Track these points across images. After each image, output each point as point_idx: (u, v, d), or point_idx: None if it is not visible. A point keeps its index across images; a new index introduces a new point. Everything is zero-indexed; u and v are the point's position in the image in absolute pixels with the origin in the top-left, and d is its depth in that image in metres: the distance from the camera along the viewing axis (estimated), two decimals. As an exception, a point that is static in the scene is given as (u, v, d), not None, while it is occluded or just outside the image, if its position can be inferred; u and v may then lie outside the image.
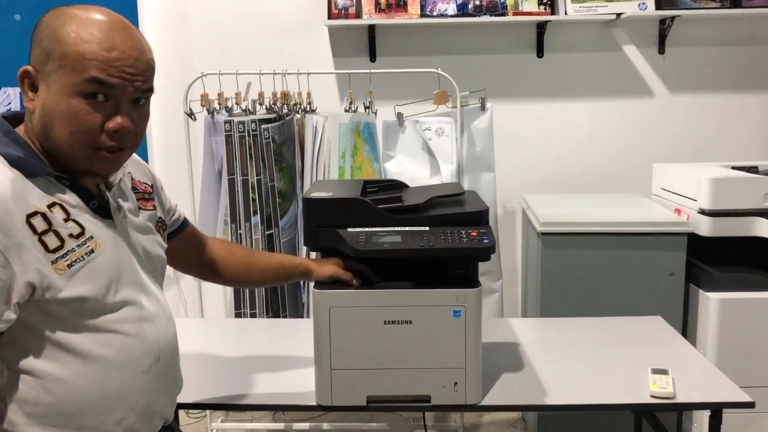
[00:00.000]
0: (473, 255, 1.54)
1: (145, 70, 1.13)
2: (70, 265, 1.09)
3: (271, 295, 2.59)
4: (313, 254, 1.79)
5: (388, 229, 1.56)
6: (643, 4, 3.05)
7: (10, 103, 3.06)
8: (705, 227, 2.50)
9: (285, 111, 2.67)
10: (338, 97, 3.14)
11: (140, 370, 1.20)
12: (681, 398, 1.59)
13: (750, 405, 1.58)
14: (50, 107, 1.08)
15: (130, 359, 1.18)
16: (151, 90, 1.16)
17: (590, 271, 2.53)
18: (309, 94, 2.72)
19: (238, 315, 2.57)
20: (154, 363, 1.22)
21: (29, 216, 1.06)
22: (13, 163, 1.08)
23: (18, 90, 2.96)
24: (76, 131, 1.08)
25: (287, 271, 1.66)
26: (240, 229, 2.52)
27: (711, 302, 2.47)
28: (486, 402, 1.60)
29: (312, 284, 1.63)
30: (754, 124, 3.28)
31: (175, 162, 2.92)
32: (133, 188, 1.29)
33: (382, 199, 1.64)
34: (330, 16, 3.02)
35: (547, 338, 2.00)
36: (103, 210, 1.17)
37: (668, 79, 3.24)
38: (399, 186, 1.82)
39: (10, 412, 1.11)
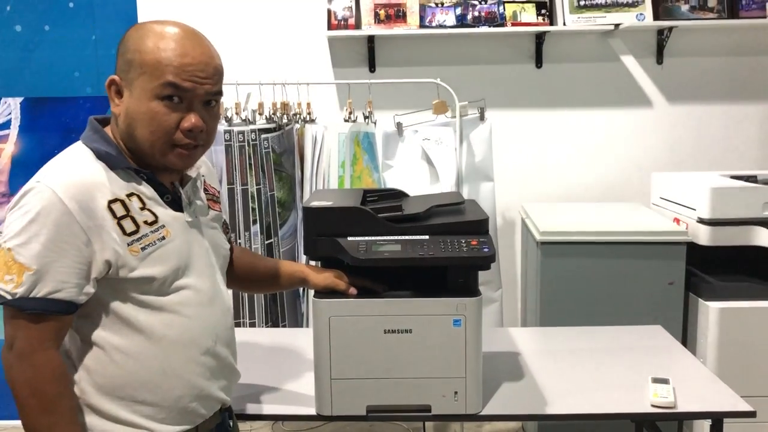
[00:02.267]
0: (473, 264, 1.54)
1: (214, 74, 1.25)
2: (143, 248, 1.22)
3: (271, 305, 2.59)
4: (313, 262, 1.78)
5: (388, 238, 1.56)
6: (641, 14, 3.06)
7: (9, 114, 3.06)
8: (704, 236, 2.50)
9: (285, 121, 2.68)
10: (338, 107, 3.15)
11: (199, 352, 1.30)
12: (682, 407, 1.58)
13: (751, 414, 1.58)
14: (133, 110, 1.21)
15: (190, 340, 1.28)
16: (220, 93, 1.29)
17: (590, 280, 2.53)
18: (309, 104, 2.73)
19: (237, 324, 2.54)
20: (212, 347, 1.32)
21: (110, 202, 1.20)
22: (99, 156, 1.23)
23: (18, 100, 2.97)
24: (155, 130, 1.21)
25: (286, 276, 1.67)
26: (240, 238, 2.52)
27: (711, 311, 2.47)
28: (486, 411, 1.60)
29: (312, 293, 1.63)
30: (753, 133, 3.29)
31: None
32: (205, 190, 1.43)
33: (382, 208, 1.64)
34: (330, 27, 3.04)
35: (547, 347, 2.00)
36: (175, 204, 1.30)
37: (666, 89, 3.25)
38: (399, 195, 1.83)
39: (81, 381, 1.23)
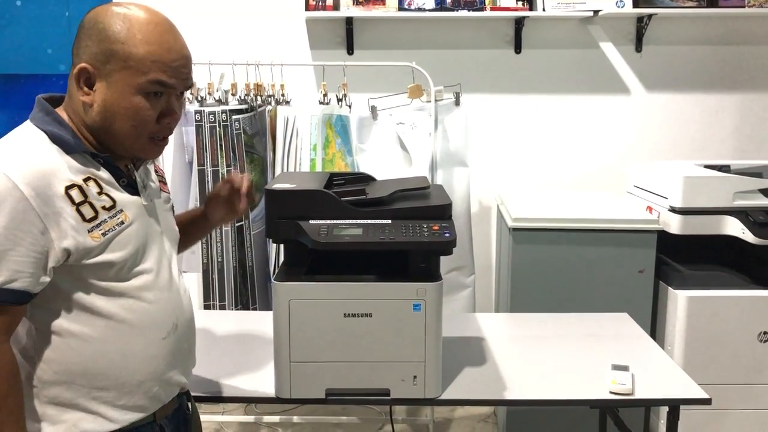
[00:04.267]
0: (434, 249, 1.54)
1: (190, 67, 1.26)
2: (104, 234, 1.20)
3: (241, 288, 2.58)
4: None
5: (350, 221, 1.56)
6: (621, 1, 3.05)
7: None
8: (675, 225, 2.51)
9: (258, 102, 2.65)
10: (315, 89, 3.11)
11: (159, 336, 1.29)
12: (639, 394, 1.59)
13: (706, 402, 1.59)
14: (112, 104, 1.19)
15: (150, 324, 1.27)
16: (192, 84, 1.30)
17: (560, 267, 2.54)
18: (282, 86, 2.70)
19: (207, 307, 2.55)
20: (172, 331, 1.31)
21: (68, 188, 1.17)
22: (54, 140, 1.19)
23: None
24: (137, 125, 1.21)
25: (190, 224, 1.62)
26: (210, 220, 2.50)
27: (679, 300, 2.48)
28: (446, 396, 1.60)
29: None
30: (729, 123, 3.30)
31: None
32: (155, 171, 1.43)
33: (346, 191, 1.63)
34: (307, 8, 3.01)
35: (513, 333, 2.00)
36: (131, 187, 1.28)
37: (645, 77, 3.25)
38: (366, 179, 1.82)
39: (39, 371, 1.20)
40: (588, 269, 2.54)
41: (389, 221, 1.56)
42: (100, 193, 1.21)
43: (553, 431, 2.59)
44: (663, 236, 2.54)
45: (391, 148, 2.71)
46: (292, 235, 1.57)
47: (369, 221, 1.56)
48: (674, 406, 1.60)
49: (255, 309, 2.60)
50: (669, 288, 2.54)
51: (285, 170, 2.58)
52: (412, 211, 1.58)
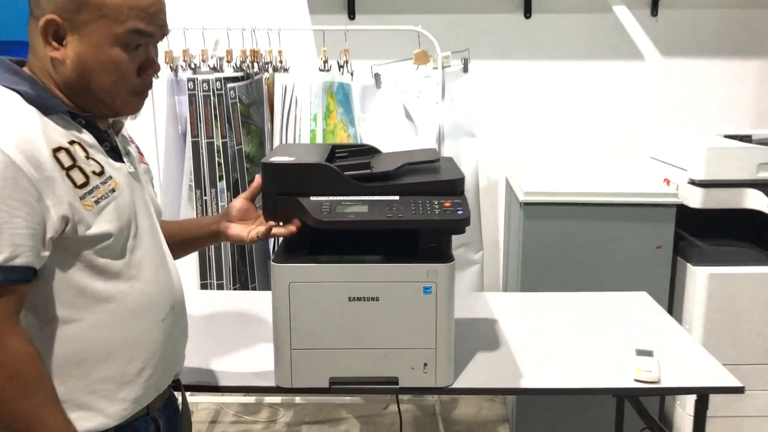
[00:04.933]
0: (446, 227, 1.41)
1: (166, 12, 1.16)
2: (97, 201, 1.09)
3: (239, 265, 2.46)
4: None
5: (354, 198, 1.43)
6: (637, -38, 2.88)
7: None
8: (695, 199, 2.39)
9: (254, 70, 2.51)
10: (314, 56, 2.97)
11: (158, 318, 1.20)
12: (666, 382, 1.48)
13: (739, 390, 1.48)
14: (88, 58, 1.09)
15: (150, 306, 1.19)
16: (168, 32, 1.20)
17: (573, 243, 2.42)
18: (280, 53, 2.55)
19: (204, 286, 2.44)
20: (170, 311, 1.23)
21: (55, 151, 1.06)
22: (30, 100, 1.07)
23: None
24: (119, 80, 1.11)
25: (200, 238, 1.52)
26: (205, 195, 2.38)
27: (699, 277, 2.37)
28: (458, 384, 1.49)
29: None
30: (748, 91, 3.15)
31: (136, 122, 2.75)
32: (130, 139, 1.31)
33: (349, 165, 1.50)
34: (306, -30, 2.84)
35: (527, 315, 1.89)
36: (114, 153, 1.18)
37: (660, 43, 3.09)
38: (370, 151, 1.69)
39: None
40: (602, 245, 2.42)
41: (396, 197, 1.43)
42: (87, 158, 1.10)
43: (564, 412, 2.49)
44: (681, 210, 2.42)
45: (395, 118, 2.57)
46: (292, 213, 1.44)
47: (375, 197, 1.43)
48: (703, 394, 1.49)
49: (254, 288, 2.49)
50: (688, 264, 2.42)
51: (284, 142, 2.45)
52: (422, 186, 1.45)
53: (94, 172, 1.10)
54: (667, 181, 2.57)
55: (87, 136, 1.12)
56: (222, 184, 2.39)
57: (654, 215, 2.40)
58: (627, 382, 1.48)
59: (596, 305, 1.95)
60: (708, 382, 1.49)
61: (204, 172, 2.38)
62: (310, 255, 1.47)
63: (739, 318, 2.36)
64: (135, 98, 1.17)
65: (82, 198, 1.07)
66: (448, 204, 1.41)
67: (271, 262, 1.44)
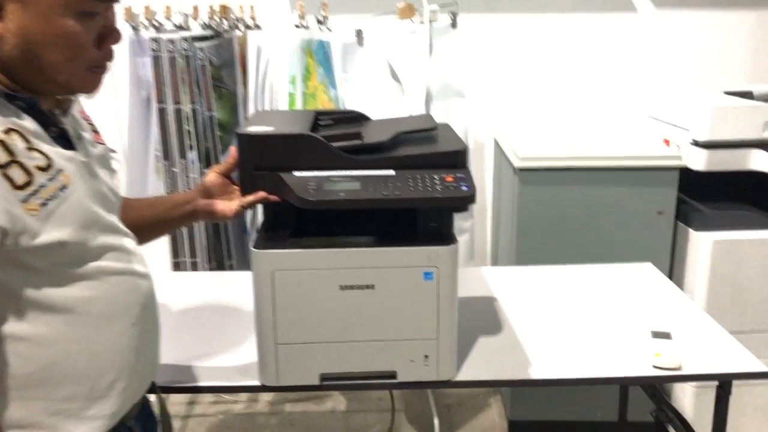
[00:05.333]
0: (449, 206, 1.26)
1: None
2: (44, 204, 0.91)
3: (214, 241, 2.29)
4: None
5: (345, 173, 1.26)
6: None
7: None
8: (699, 160, 2.25)
9: (224, 28, 2.29)
10: (291, 12, 2.75)
11: (129, 322, 1.05)
12: (687, 369, 1.36)
13: (764, 375, 1.36)
14: (35, 31, 0.91)
15: (119, 311, 1.03)
16: None
17: (571, 210, 2.28)
18: (252, 8, 2.34)
19: (176, 265, 2.26)
20: (141, 312, 1.08)
21: None
22: None
23: None
24: (73, 56, 0.94)
25: (172, 219, 1.35)
26: (174, 166, 2.19)
27: (702, 243, 2.25)
28: (462, 377, 1.36)
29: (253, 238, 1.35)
30: (744, 44, 3.00)
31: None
32: (83, 118, 1.12)
33: (338, 135, 1.33)
34: None
35: (528, 292, 1.75)
36: (63, 140, 0.99)
37: (655, -6, 2.92)
38: (358, 118, 1.52)
39: None
40: (601, 212, 2.29)
41: (392, 172, 1.27)
42: (29, 149, 0.92)
43: (561, 393, 2.39)
44: (683, 173, 2.29)
45: (380, 77, 2.38)
46: (273, 191, 1.28)
47: (367, 172, 1.27)
48: (726, 381, 1.37)
49: (231, 266, 2.31)
50: (690, 230, 2.30)
51: (259, 107, 2.25)
52: (420, 158, 1.29)
53: (38, 167, 0.91)
54: (667, 142, 2.43)
55: (28, 122, 0.94)
56: (192, 155, 2.19)
57: (656, 179, 2.26)
58: (645, 369, 1.36)
59: (600, 279, 1.82)
60: (732, 368, 1.37)
61: (172, 142, 2.18)
62: (294, 238, 1.31)
63: (744, 286, 2.26)
64: (94, 75, 0.99)
65: (24, 201, 0.89)
66: (450, 178, 1.25)
67: (252, 249, 1.27)
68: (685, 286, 2.33)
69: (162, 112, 2.16)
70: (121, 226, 1.10)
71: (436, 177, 1.25)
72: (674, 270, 2.37)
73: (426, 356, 1.32)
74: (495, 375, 1.37)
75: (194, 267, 2.25)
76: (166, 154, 2.18)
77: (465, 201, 1.23)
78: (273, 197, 1.28)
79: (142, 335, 1.09)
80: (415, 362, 1.32)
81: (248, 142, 1.27)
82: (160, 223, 1.33)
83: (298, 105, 2.24)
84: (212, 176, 1.34)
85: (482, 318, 1.59)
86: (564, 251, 2.28)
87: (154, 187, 2.24)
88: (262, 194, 1.28)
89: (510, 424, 2.52)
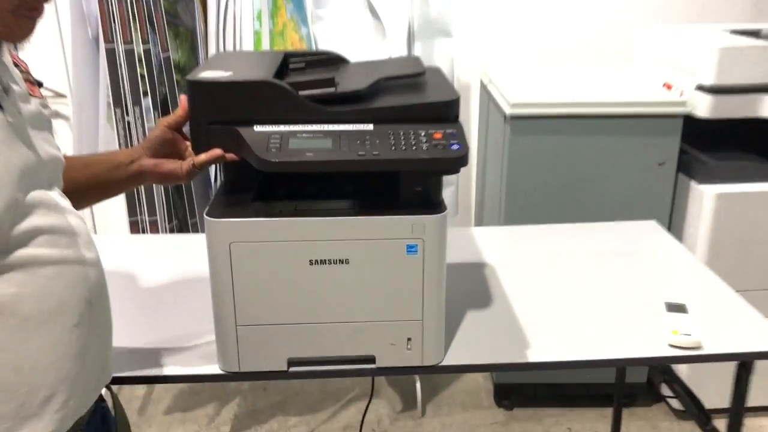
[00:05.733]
0: (437, 168, 1.07)
1: None
2: None
3: (175, 198, 2.08)
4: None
5: (314, 128, 1.07)
6: None
7: None
8: (704, 107, 2.07)
9: (181, -45, 2.04)
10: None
11: (70, 322, 0.85)
12: (708, 347, 1.20)
13: (790, 354, 1.21)
14: None
15: (56, 310, 0.84)
16: None
17: (565, 161, 2.10)
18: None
19: (134, 225, 2.05)
20: (86, 309, 0.88)
21: None
22: None
23: None
24: None
25: (104, 174, 1.13)
26: (127, 115, 1.96)
27: (705, 196, 2.09)
28: (449, 361, 1.19)
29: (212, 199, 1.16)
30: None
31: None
32: (15, 65, 0.92)
33: (307, 82, 1.12)
34: None
35: (522, 255, 1.58)
36: None
37: None
38: (334, 61, 1.31)
39: None
40: (598, 164, 2.12)
41: (370, 126, 1.08)
42: None
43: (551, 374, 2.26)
44: (686, 121, 2.11)
45: (357, 14, 2.15)
46: (230, 149, 1.08)
47: (341, 127, 1.07)
48: (747, 361, 1.22)
49: (195, 224, 2.12)
50: (692, 182, 2.14)
51: (221, 48, 2.02)
52: (404, 110, 1.09)
53: None
54: (668, 86, 2.24)
55: None
56: (147, 101, 1.96)
57: (658, 127, 2.08)
58: (660, 348, 1.20)
59: (600, 240, 1.66)
60: (756, 345, 1.22)
61: (124, 87, 1.94)
62: (259, 203, 1.12)
63: (750, 241, 2.11)
64: (24, 19, 0.80)
65: None
66: (438, 135, 1.06)
67: (205, 216, 1.08)
68: (684, 242, 2.18)
69: (111, 54, 1.92)
70: (63, 200, 0.90)
71: (422, 133, 1.06)
72: (673, 225, 2.21)
73: (409, 339, 1.15)
74: (488, 358, 1.21)
75: (154, 227, 2.04)
76: (118, 100, 1.95)
77: (456, 163, 1.04)
78: (230, 155, 1.09)
79: (88, 337, 0.89)
80: (397, 346, 1.15)
81: (200, 91, 1.07)
82: (97, 186, 1.12)
83: (265, 45, 2.01)
84: (160, 130, 1.13)
85: (470, 288, 1.42)
86: (557, 206, 2.11)
87: (107, 137, 2.01)
88: (217, 152, 1.08)
89: (496, 387, 2.40)
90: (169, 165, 1.12)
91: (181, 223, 2.09)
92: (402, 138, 1.05)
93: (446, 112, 1.09)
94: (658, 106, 2.08)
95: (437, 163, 1.04)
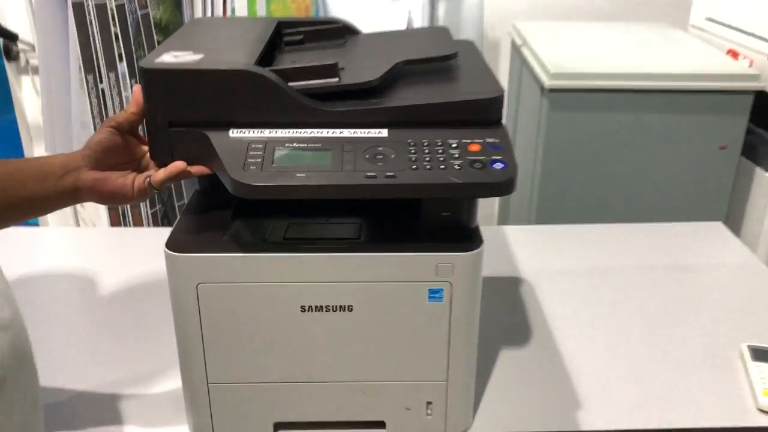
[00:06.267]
0: (472, 195, 0.80)
1: None
2: None
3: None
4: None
5: (309, 134, 0.80)
6: None
7: None
8: (779, 82, 1.76)
9: None
10: None
11: None
12: (807, 416, 0.94)
13: None
14: None
15: None
16: None
17: (610, 142, 1.82)
18: None
19: (113, 210, 1.80)
20: None
21: None
22: None
23: None
24: None
25: (28, 188, 0.82)
26: (101, 82, 1.68)
27: (773, 187, 1.80)
28: (477, 427, 0.94)
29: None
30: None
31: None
32: None
33: (300, 69, 0.84)
34: None
35: (563, 269, 1.32)
36: None
37: None
38: (340, 33, 1.02)
39: None
40: (649, 145, 1.83)
41: (384, 132, 0.80)
42: None
43: None
44: (756, 97, 1.81)
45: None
46: (197, 159, 0.82)
47: (345, 133, 0.80)
48: None
49: (182, 206, 1.86)
50: (757, 169, 1.85)
51: (208, 7, 1.71)
52: (430, 110, 0.81)
53: None
54: (734, 54, 1.93)
55: None
56: (123, 66, 1.68)
57: (722, 105, 1.78)
58: (747, 415, 0.94)
59: (655, 248, 1.38)
60: None
61: (97, 49, 1.66)
62: (236, 225, 0.86)
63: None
64: None
65: None
66: (476, 147, 0.79)
67: (165, 249, 0.82)
68: (744, 238, 1.90)
69: (79, 9, 1.63)
70: None
71: (453, 144, 0.79)
72: (731, 218, 1.93)
73: (429, 403, 0.90)
74: (527, 424, 0.96)
75: (136, 214, 1.78)
76: (89, 66, 1.67)
77: (499, 189, 0.77)
78: (198, 169, 0.82)
79: (4, 423, 0.64)
80: (414, 411, 0.90)
81: (157, 81, 0.79)
82: (18, 204, 0.84)
83: (261, 6, 1.70)
84: (104, 133, 0.85)
85: (501, 320, 1.16)
86: (599, 196, 1.84)
87: (81, 105, 1.74)
88: (179, 166, 0.81)
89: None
90: (114, 182, 0.83)
91: (166, 208, 1.83)
92: (426, 150, 0.78)
93: (486, 113, 0.82)
94: (724, 80, 1.77)
95: (473, 190, 0.77)
